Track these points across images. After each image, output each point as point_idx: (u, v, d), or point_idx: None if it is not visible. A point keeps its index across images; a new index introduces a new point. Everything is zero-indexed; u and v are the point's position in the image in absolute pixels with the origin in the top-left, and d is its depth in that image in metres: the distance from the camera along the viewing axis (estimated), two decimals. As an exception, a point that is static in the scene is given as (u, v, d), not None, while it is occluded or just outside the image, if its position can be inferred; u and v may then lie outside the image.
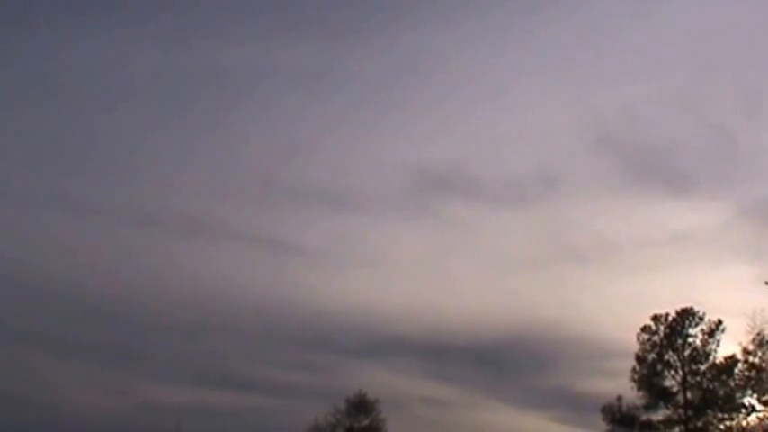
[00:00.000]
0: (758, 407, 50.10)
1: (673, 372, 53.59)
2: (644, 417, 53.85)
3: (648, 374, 53.92)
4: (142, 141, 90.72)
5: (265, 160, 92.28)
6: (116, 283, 75.08)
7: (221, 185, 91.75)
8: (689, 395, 53.06)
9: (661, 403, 53.63)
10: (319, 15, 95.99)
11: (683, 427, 52.85)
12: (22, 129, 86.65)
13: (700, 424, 52.37)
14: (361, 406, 56.06)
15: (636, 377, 54.12)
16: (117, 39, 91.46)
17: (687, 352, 53.51)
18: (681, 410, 53.06)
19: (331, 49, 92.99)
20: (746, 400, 51.12)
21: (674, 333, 53.97)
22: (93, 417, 64.88)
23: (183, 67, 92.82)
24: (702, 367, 53.25)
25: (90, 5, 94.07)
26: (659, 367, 53.90)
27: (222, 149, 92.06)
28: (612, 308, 77.73)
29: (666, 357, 53.85)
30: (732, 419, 51.71)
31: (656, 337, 54.34)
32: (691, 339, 53.66)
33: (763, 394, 49.60)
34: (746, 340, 49.18)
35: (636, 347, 54.52)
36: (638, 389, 53.91)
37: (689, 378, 53.21)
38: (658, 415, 53.63)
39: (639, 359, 54.37)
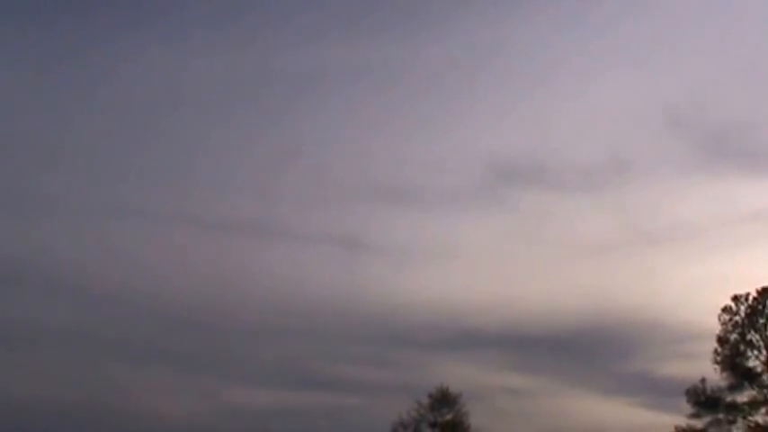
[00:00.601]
0: None
1: (756, 352, 52.96)
2: (729, 398, 53.29)
3: (731, 355, 53.33)
4: (203, 147, 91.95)
5: (339, 160, 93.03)
6: (193, 289, 76.45)
7: (289, 187, 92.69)
8: (774, 375, 52.49)
9: (746, 384, 53.03)
10: (377, 10, 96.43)
11: (769, 408, 52.31)
12: (80, 139, 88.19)
13: (786, 403, 51.80)
14: (443, 400, 56.33)
15: (718, 359, 53.57)
16: (168, 47, 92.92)
17: (770, 331, 52.94)
18: (766, 391, 52.45)
19: (394, 43, 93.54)
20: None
21: (755, 313, 53.32)
22: (177, 423, 66.07)
23: (238, 72, 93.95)
24: (786, 346, 52.65)
25: (144, 18, 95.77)
26: (742, 348, 53.28)
27: (287, 151, 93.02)
28: (690, 290, 77.08)
29: (749, 337, 53.23)
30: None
31: (737, 318, 53.73)
32: (773, 318, 53.08)
33: None
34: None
35: (717, 329, 54.10)
36: (722, 370, 53.37)
37: (773, 357, 52.64)
38: (743, 396, 53.04)
39: (721, 340, 53.81)
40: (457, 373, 70.90)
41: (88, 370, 68.99)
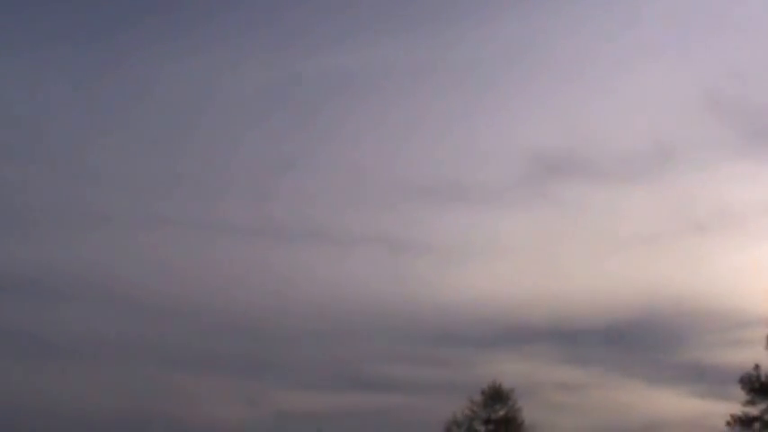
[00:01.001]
0: None
1: (809, 334, 52.43)
2: (784, 384, 52.84)
3: (785, 340, 52.87)
4: (240, 155, 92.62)
5: (378, 159, 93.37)
6: (240, 297, 77.17)
7: (337, 190, 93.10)
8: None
9: (799, 368, 52.54)
10: (408, 8, 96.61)
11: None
12: (121, 152, 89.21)
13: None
14: (496, 396, 56.42)
15: (772, 344, 53.13)
16: (201, 58, 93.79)
17: (823, 314, 52.35)
18: (821, 373, 51.92)
19: (429, 40, 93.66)
20: None
21: (807, 296, 52.84)
22: (231, 428, 66.74)
23: (271, 78, 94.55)
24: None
25: (189, 26, 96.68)
26: (794, 331, 52.81)
27: (336, 153, 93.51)
28: (740, 276, 76.34)
29: (801, 321, 52.75)
30: None
31: (788, 302, 53.35)
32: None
33: None
34: None
35: (768, 314, 53.59)
36: (775, 356, 52.94)
37: (828, 341, 52.03)
38: (799, 381, 52.56)
39: (773, 325, 53.35)
40: (508, 369, 70.96)
41: (143, 380, 69.97)
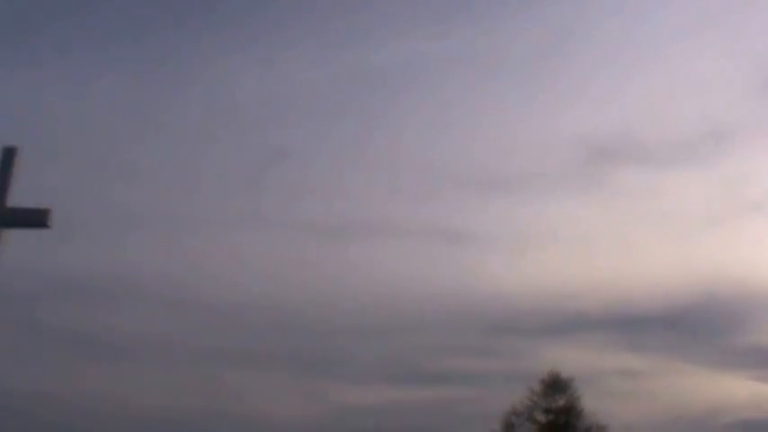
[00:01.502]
0: None
1: None
2: None
3: None
4: (303, 151, 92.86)
5: (425, 151, 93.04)
6: (297, 292, 77.42)
7: (386, 182, 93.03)
8: None
9: None
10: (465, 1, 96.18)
11: None
12: (173, 150, 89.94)
13: None
14: (556, 385, 55.99)
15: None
16: (270, 52, 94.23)
17: None
18: None
19: (478, 32, 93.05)
20: None
21: None
22: (290, 426, 67.15)
23: (335, 72, 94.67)
24: None
25: (239, 28, 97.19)
26: None
27: (385, 146, 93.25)
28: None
29: None
30: None
31: None
32: None
33: None
34: None
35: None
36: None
37: None
38: None
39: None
40: (567, 358, 70.36)
41: (202, 380, 70.64)
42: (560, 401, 55.99)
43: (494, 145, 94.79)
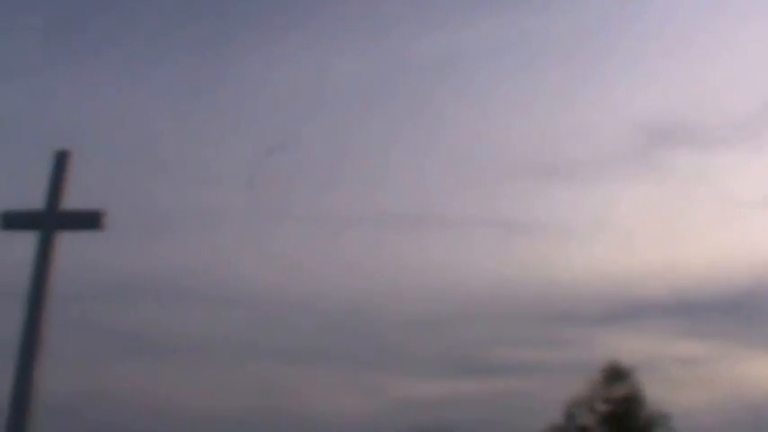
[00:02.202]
0: None
1: None
2: None
3: None
4: (350, 144, 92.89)
5: (478, 140, 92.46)
6: (351, 287, 77.41)
7: (434, 174, 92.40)
8: None
9: None
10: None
11: None
12: (235, 149, 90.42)
13: None
14: (616, 375, 55.37)
15: None
16: (311, 44, 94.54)
17: None
18: None
19: (527, 18, 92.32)
20: None
21: None
22: (350, 421, 67.24)
23: (377, 64, 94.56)
24: None
25: (277, 22, 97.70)
26: None
27: (442, 136, 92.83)
28: None
29: None
30: None
31: None
32: None
33: None
34: None
35: None
36: None
37: None
38: None
39: None
40: (627, 346, 69.53)
41: (258, 376, 71.01)
42: (621, 391, 55.41)
43: (543, 131, 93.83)
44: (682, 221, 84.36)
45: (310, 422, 65.12)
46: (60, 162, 12.30)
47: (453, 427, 54.80)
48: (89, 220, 12.05)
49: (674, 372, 68.55)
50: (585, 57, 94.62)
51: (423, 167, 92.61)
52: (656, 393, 55.10)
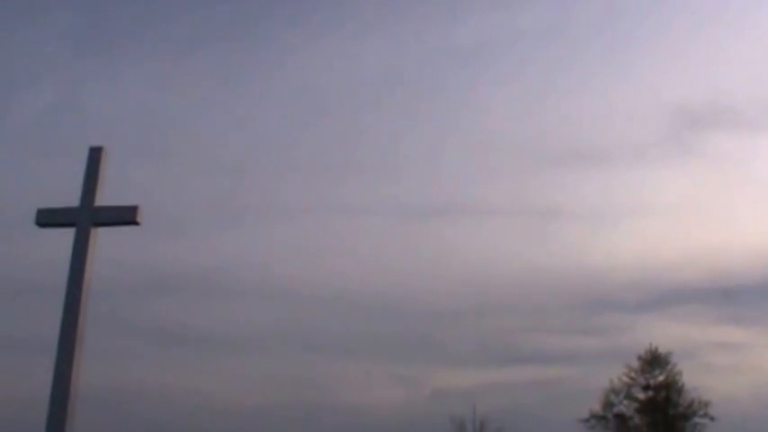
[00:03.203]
0: None
1: None
2: None
3: None
4: (376, 136, 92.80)
5: (511, 128, 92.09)
6: (393, 277, 77.51)
7: (474, 162, 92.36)
8: None
9: None
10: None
11: None
12: (261, 142, 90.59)
13: None
14: (654, 361, 55.02)
15: None
16: (343, 38, 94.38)
17: None
18: None
19: (558, 4, 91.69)
20: None
21: None
22: (386, 411, 67.37)
23: (421, 52, 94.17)
24: None
25: (320, 16, 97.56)
26: None
27: (471, 124, 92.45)
28: None
29: None
30: None
31: None
32: None
33: None
34: None
35: None
36: None
37: None
38: None
39: None
40: (665, 332, 69.27)
41: (294, 369, 71.38)
42: (659, 377, 55.00)
43: (585, 118, 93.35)
44: (720, 206, 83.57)
45: (346, 414, 65.32)
46: (94, 158, 12.32)
47: (491, 415, 54.72)
48: (124, 215, 12.08)
49: (713, 358, 68.03)
50: (622, 42, 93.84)
51: (466, 156, 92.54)
52: (696, 380, 54.67)
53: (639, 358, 55.23)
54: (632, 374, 55.17)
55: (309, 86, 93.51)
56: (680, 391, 54.41)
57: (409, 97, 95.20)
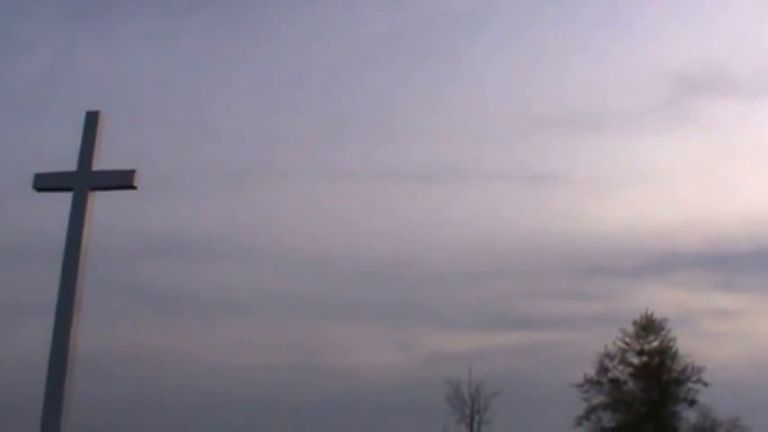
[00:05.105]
0: None
1: None
2: None
3: None
4: (383, 101, 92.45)
5: (505, 92, 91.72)
6: (389, 241, 77.73)
7: (468, 126, 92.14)
8: None
9: None
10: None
11: None
12: (245, 105, 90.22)
13: None
14: (648, 327, 55.28)
15: None
16: (337, 2, 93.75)
17: None
18: None
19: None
20: None
21: None
22: (382, 375, 67.83)
23: (414, 17, 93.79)
24: None
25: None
26: None
27: (464, 88, 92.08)
28: None
29: None
30: None
31: None
32: None
33: None
34: None
35: None
36: None
37: None
38: None
39: None
40: (660, 299, 69.48)
41: (290, 333, 71.81)
42: (654, 343, 55.31)
43: (579, 83, 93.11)
44: (715, 173, 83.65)
45: (343, 377, 65.79)
46: (91, 123, 12.32)
47: (487, 379, 55.12)
48: (121, 180, 12.11)
49: (707, 324, 68.39)
50: (618, 7, 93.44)
51: (460, 120, 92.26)
52: (690, 346, 54.99)
53: (634, 324, 55.52)
54: (627, 340, 55.49)
55: (304, 50, 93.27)
56: (674, 356, 54.76)
57: (402, 61, 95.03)
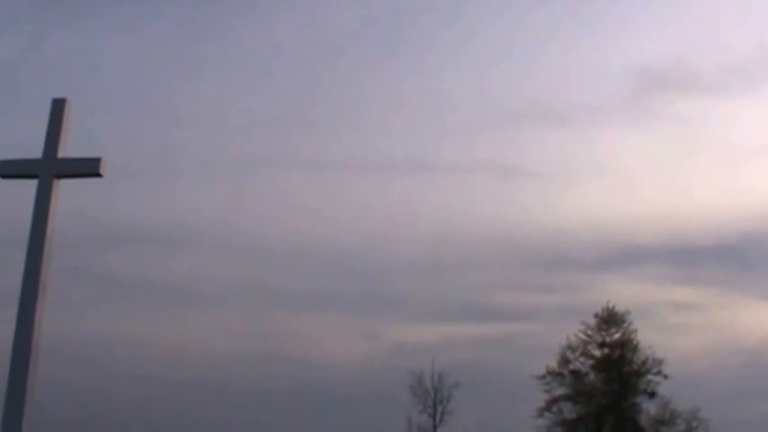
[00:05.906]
0: None
1: None
2: None
3: None
4: (352, 91, 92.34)
5: (470, 85, 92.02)
6: (354, 232, 77.79)
7: (434, 118, 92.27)
8: None
9: None
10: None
11: None
12: (218, 95, 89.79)
13: None
14: (610, 319, 55.88)
15: None
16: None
17: None
18: None
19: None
20: None
21: None
22: (347, 365, 67.98)
23: (378, 9, 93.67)
24: None
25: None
26: None
27: (430, 81, 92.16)
28: None
29: None
30: None
31: None
32: None
33: None
34: None
35: None
36: None
37: None
38: None
39: None
40: (622, 291, 70.23)
41: (256, 323, 71.77)
42: (615, 335, 55.92)
43: (544, 77, 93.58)
44: (678, 168, 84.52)
45: (308, 366, 65.84)
46: (57, 110, 12.24)
47: (450, 370, 55.41)
48: (87, 167, 12.05)
49: (668, 317, 69.19)
50: (586, 2, 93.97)
51: (424, 112, 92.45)
52: (651, 338, 55.69)
53: (596, 316, 56.08)
54: (589, 332, 56.06)
55: (271, 40, 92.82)
56: (635, 349, 55.40)
57: (369, 53, 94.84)
